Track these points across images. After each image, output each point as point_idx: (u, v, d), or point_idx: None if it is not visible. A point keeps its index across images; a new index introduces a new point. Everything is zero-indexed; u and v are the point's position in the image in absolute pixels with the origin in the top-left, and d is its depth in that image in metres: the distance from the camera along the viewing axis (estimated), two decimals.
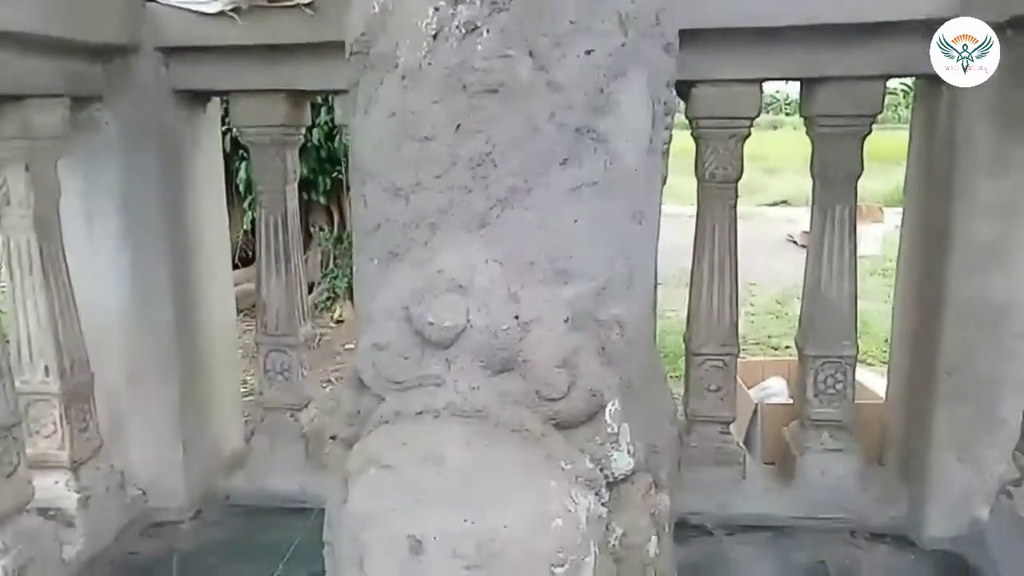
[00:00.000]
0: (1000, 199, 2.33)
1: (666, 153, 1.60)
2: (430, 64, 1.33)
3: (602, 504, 1.38)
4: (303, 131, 3.08)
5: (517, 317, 1.30)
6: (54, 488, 2.51)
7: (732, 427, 2.96)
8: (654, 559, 1.52)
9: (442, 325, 1.30)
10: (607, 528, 1.41)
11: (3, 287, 2.48)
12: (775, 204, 10.64)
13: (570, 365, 1.33)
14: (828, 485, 2.78)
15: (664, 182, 1.65)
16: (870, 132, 2.69)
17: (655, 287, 1.51)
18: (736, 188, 2.79)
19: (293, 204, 3.01)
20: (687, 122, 2.77)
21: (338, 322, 6.08)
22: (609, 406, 1.39)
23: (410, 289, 1.33)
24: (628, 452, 1.43)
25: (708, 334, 2.82)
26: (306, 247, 6.26)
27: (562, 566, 1.27)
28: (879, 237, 7.65)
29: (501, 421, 1.33)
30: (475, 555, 1.26)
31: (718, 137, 2.74)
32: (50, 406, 2.46)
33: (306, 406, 3.12)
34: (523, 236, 1.31)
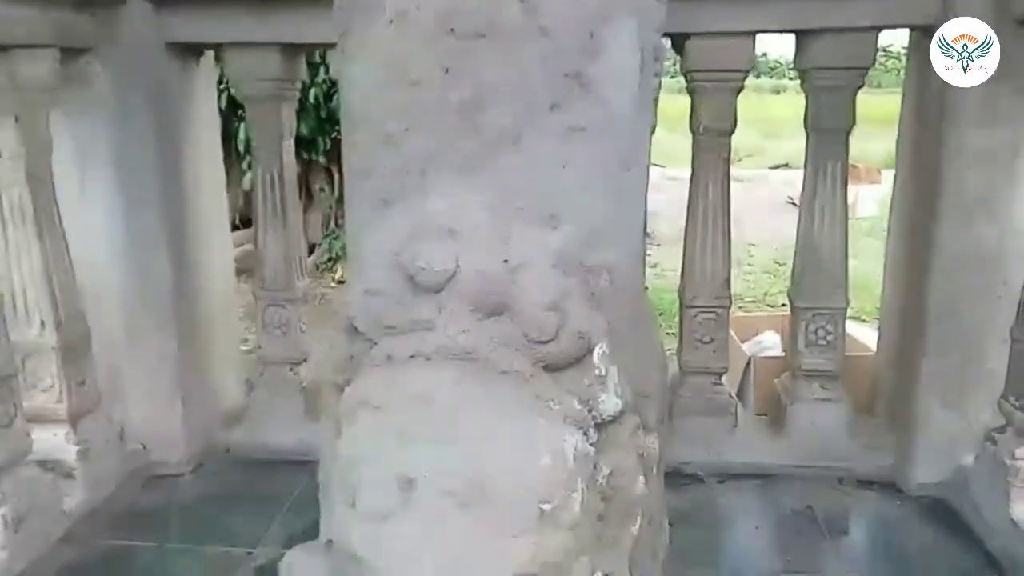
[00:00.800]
0: (990, 149, 2.34)
1: (655, 101, 1.59)
2: (419, 9, 1.32)
3: (590, 444, 1.41)
4: (299, 86, 3.06)
5: (507, 261, 1.31)
6: (53, 441, 2.54)
7: (725, 379, 3.00)
8: (641, 498, 1.56)
9: (432, 269, 1.31)
10: (595, 467, 1.43)
11: None
12: (776, 167, 10.62)
13: (559, 309, 1.34)
14: (818, 434, 2.83)
15: (653, 130, 1.66)
16: (863, 85, 2.69)
17: (644, 234, 1.52)
18: (730, 141, 2.79)
19: (290, 159, 3.00)
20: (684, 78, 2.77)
21: (339, 283, 6.09)
22: (597, 349, 1.41)
23: (401, 235, 1.34)
24: (616, 394, 1.45)
25: (701, 286, 2.85)
26: (307, 208, 6.25)
27: (550, 502, 1.31)
28: (876, 199, 7.64)
29: (491, 363, 1.35)
30: (464, 492, 1.29)
31: (712, 90, 2.74)
32: (47, 360, 2.48)
33: (305, 360, 3.15)
34: (512, 181, 1.32)
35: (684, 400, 2.91)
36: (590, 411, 1.43)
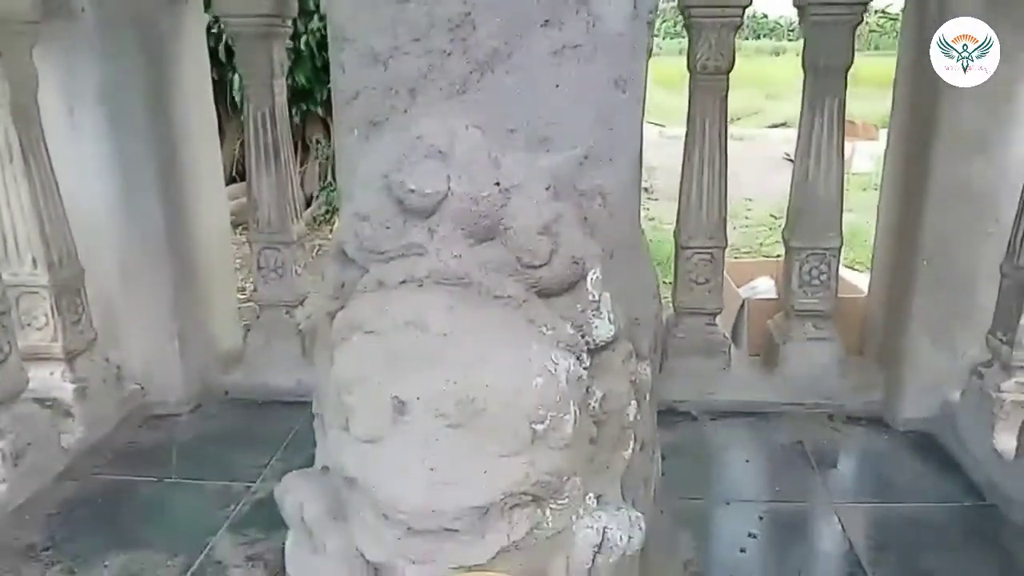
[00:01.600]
0: (986, 85, 2.31)
1: (652, 23, 1.56)
2: None
3: (583, 368, 1.42)
4: (290, 24, 3.01)
5: (498, 184, 1.30)
6: (49, 380, 2.55)
7: (719, 319, 3.02)
8: (634, 424, 1.58)
9: (423, 192, 1.30)
10: (587, 391, 1.45)
11: None
12: (775, 126, 10.58)
13: (551, 232, 1.34)
14: (809, 373, 2.86)
15: (650, 54, 1.63)
16: (861, 21, 2.65)
17: (640, 160, 1.51)
18: (727, 80, 2.76)
19: (281, 99, 2.97)
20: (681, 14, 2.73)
21: None
22: (591, 274, 1.41)
23: (390, 157, 1.33)
24: (609, 320, 1.46)
25: (697, 227, 2.85)
26: (303, 160, 6.18)
27: (542, 423, 1.32)
28: (872, 155, 7.61)
29: (483, 288, 1.35)
30: (457, 414, 1.31)
31: (710, 27, 2.70)
32: (40, 298, 2.48)
33: (301, 303, 3.16)
34: (504, 101, 1.31)
35: (678, 340, 2.93)
36: (583, 336, 1.44)
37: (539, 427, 1.32)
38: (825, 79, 2.70)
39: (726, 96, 2.77)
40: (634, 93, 1.47)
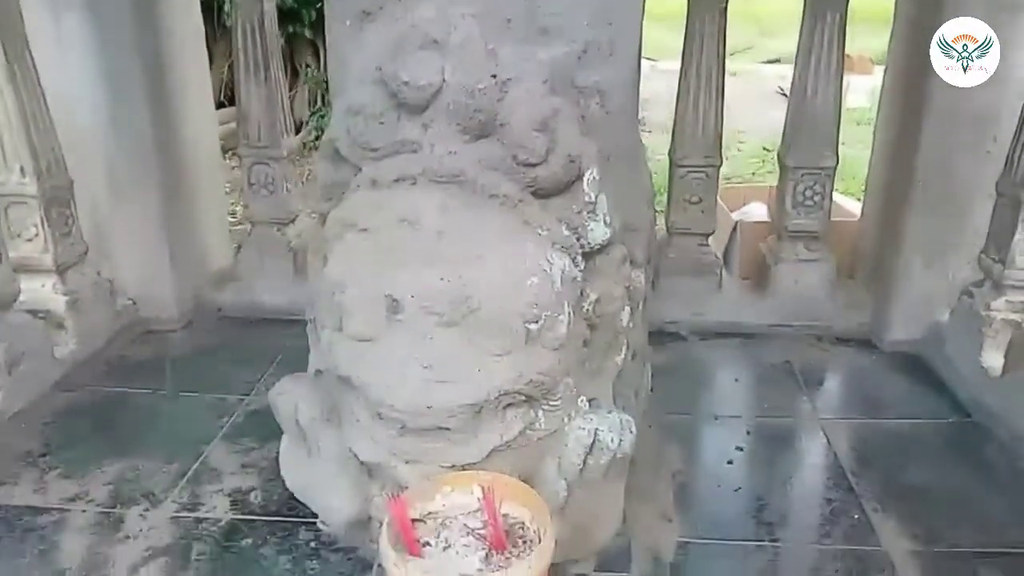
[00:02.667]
0: (989, 8, 2.26)
1: None
2: None
3: (578, 270, 1.42)
4: None
5: (495, 76, 1.28)
6: (41, 291, 2.54)
7: (711, 240, 3.01)
8: (626, 329, 1.59)
9: (417, 84, 1.28)
10: (581, 294, 1.45)
11: None
12: (768, 62, 10.41)
13: (549, 129, 1.32)
14: (799, 294, 2.87)
15: None
16: None
17: (639, 59, 1.48)
18: None
19: (270, 7, 2.87)
20: None
21: None
22: (587, 175, 1.40)
23: (384, 48, 1.30)
24: (604, 223, 1.45)
25: (692, 145, 2.81)
26: (292, 85, 6.03)
27: (536, 323, 1.33)
28: (867, 90, 7.51)
29: (478, 187, 1.34)
30: (451, 312, 1.31)
31: None
32: (29, 208, 2.44)
33: (292, 221, 3.12)
34: None
35: (670, 260, 2.93)
36: (578, 238, 1.43)
37: (533, 327, 1.33)
38: None
39: (725, 8, 2.70)
40: None
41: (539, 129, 1.31)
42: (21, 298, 2.39)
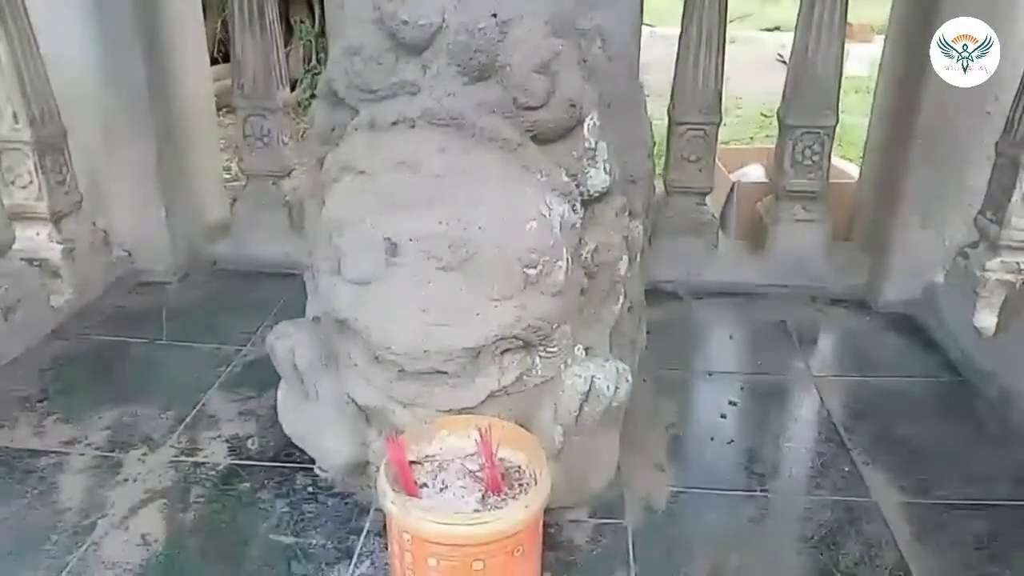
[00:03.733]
0: None
1: None
2: None
3: (577, 217, 1.42)
4: None
5: (495, 16, 1.26)
6: (36, 240, 2.53)
7: (708, 200, 3.01)
8: (624, 279, 1.59)
9: (416, 23, 1.27)
10: (580, 241, 1.45)
11: None
12: (768, 30, 10.32)
13: (550, 71, 1.31)
14: (795, 254, 2.88)
15: None
16: None
17: (642, 5, 1.46)
18: None
19: None
20: None
21: None
22: (588, 120, 1.39)
23: None
24: (604, 170, 1.44)
25: (691, 102, 2.79)
26: (287, 42, 5.93)
27: (535, 267, 1.33)
28: (866, 59, 7.45)
29: (478, 130, 1.33)
30: (449, 255, 1.31)
31: None
32: (23, 155, 2.42)
33: (288, 175, 3.11)
34: None
35: (667, 219, 2.92)
36: (578, 185, 1.43)
37: (531, 272, 1.33)
38: None
39: None
40: None
41: (540, 71, 1.30)
42: (16, 246, 2.39)
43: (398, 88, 1.34)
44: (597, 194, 1.46)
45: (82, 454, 1.91)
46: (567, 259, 1.38)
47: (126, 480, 1.82)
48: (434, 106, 1.32)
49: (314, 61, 6.26)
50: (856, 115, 4.68)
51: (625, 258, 1.57)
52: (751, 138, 5.90)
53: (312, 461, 1.74)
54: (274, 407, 1.82)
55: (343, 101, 1.41)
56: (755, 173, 3.81)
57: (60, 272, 2.56)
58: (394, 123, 1.36)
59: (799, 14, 2.71)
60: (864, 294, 2.82)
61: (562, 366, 1.49)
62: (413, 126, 1.35)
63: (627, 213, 1.57)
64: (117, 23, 2.61)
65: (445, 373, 1.39)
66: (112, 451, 1.93)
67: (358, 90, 1.37)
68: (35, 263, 2.49)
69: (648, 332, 2.12)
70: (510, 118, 1.34)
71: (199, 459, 1.91)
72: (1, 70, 2.32)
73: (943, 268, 2.60)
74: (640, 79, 1.85)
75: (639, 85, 1.68)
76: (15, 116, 2.36)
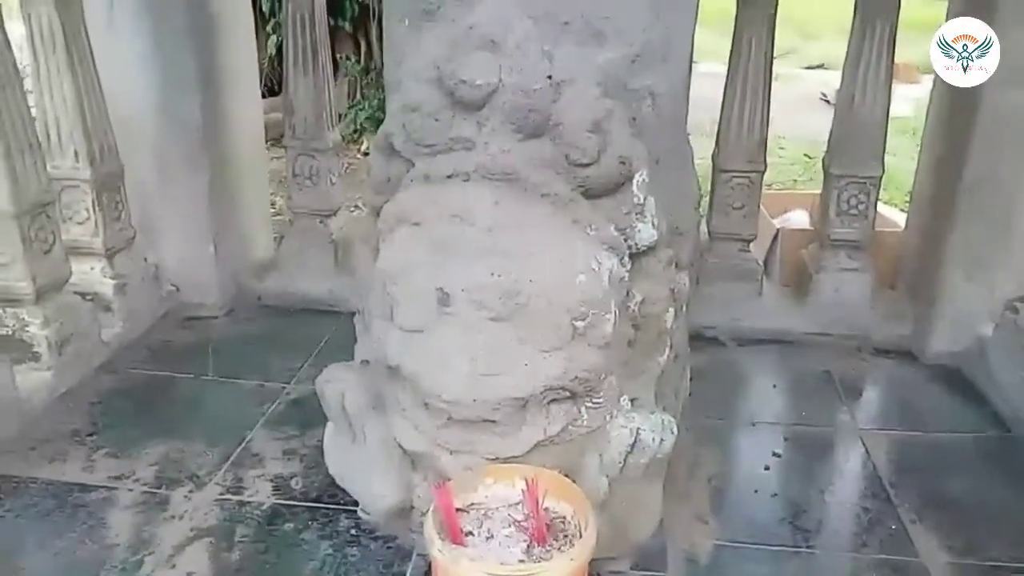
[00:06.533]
0: None
1: None
2: None
3: (625, 270, 1.43)
4: None
5: (550, 77, 1.29)
6: (90, 274, 2.60)
7: (752, 246, 3.00)
8: (670, 330, 1.60)
9: (474, 83, 1.30)
10: (628, 294, 1.46)
11: (27, 67, 2.46)
12: (812, 67, 10.27)
13: (601, 130, 1.34)
14: (840, 303, 2.85)
15: None
16: None
17: (690, 64, 1.48)
18: None
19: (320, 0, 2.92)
20: None
21: (365, 154, 5.99)
22: (637, 177, 1.41)
23: (441, 48, 1.32)
24: (652, 224, 1.46)
25: (736, 150, 2.80)
26: (333, 78, 6.08)
27: (584, 320, 1.34)
28: (912, 99, 7.42)
29: (530, 184, 1.36)
30: (500, 306, 1.33)
31: None
32: (82, 192, 2.51)
33: (335, 213, 3.16)
34: None
35: (711, 265, 2.92)
36: (626, 239, 1.45)
37: (580, 324, 1.35)
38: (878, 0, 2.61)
39: (775, 13, 2.69)
40: None
41: (592, 130, 1.32)
42: (71, 280, 2.46)
43: (454, 143, 1.37)
44: (645, 247, 1.48)
45: (130, 489, 1.95)
46: (615, 312, 1.39)
47: (173, 517, 1.85)
48: (488, 161, 1.35)
49: (358, 96, 6.39)
50: (902, 157, 4.63)
51: (672, 310, 1.58)
52: (795, 181, 5.86)
53: (355, 503, 1.76)
54: (317, 446, 1.84)
55: (399, 153, 1.45)
56: (799, 219, 3.79)
57: (112, 306, 2.62)
58: (449, 176, 1.39)
59: (846, 60, 2.71)
60: (910, 345, 2.77)
61: (608, 417, 1.50)
62: (467, 180, 1.38)
63: (674, 265, 1.58)
64: (176, 64, 2.69)
65: (493, 422, 1.40)
66: (159, 487, 1.96)
67: (415, 144, 1.40)
68: (88, 297, 2.56)
69: (691, 379, 2.11)
70: (562, 174, 1.37)
71: (244, 498, 1.93)
72: (65, 109, 2.41)
73: (991, 320, 2.56)
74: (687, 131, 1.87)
75: (687, 140, 1.70)
76: (76, 155, 2.45)
